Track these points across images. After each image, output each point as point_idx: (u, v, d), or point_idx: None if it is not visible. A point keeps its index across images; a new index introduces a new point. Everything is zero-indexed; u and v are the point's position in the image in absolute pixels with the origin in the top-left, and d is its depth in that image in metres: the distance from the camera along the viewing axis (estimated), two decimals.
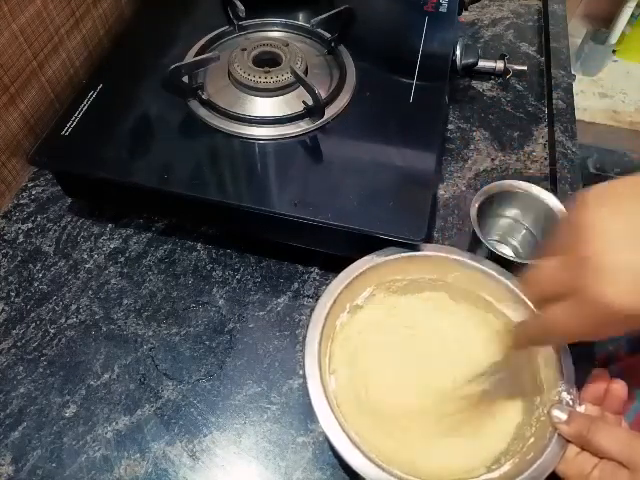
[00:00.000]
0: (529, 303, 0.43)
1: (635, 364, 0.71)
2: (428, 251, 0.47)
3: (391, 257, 0.46)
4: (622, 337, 0.76)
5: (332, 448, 0.43)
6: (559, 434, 0.37)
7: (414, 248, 0.47)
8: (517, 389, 0.44)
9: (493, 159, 0.64)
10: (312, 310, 0.43)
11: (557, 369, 0.41)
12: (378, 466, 0.37)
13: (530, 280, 0.36)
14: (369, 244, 0.47)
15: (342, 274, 0.45)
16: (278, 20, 0.66)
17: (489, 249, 0.48)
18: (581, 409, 0.38)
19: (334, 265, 0.47)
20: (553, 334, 0.36)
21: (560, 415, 0.38)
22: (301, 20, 0.66)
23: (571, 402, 0.39)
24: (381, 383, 0.45)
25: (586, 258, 0.30)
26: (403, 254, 0.47)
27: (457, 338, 0.47)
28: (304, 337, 0.42)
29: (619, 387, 0.38)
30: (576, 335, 0.34)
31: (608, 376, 0.38)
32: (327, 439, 0.38)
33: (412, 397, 0.44)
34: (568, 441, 0.37)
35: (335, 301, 0.44)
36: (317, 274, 0.55)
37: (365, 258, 0.46)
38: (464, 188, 0.61)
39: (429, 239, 0.56)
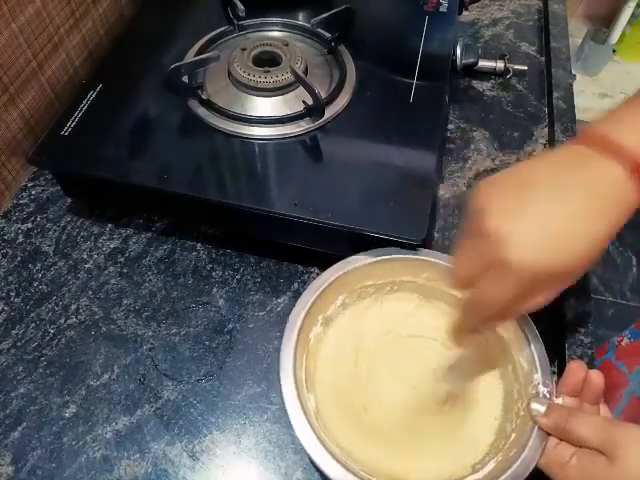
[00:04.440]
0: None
1: (631, 349, 0.71)
2: (396, 254, 0.47)
3: (359, 264, 0.46)
4: (626, 329, 0.76)
5: (314, 464, 0.42)
6: (539, 428, 0.38)
7: (414, 249, 0.47)
8: (496, 385, 0.44)
9: (493, 159, 0.64)
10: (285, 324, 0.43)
11: (531, 362, 0.41)
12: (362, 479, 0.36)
13: (456, 267, 0.39)
14: (369, 244, 0.47)
15: (312, 285, 0.45)
16: (278, 20, 0.66)
17: None
18: (559, 401, 0.39)
19: None
20: (485, 307, 0.37)
21: (538, 408, 0.38)
22: (301, 20, 0.66)
23: (548, 395, 0.39)
24: (360, 392, 0.44)
25: (489, 233, 0.34)
26: (370, 259, 0.46)
27: (431, 338, 0.47)
28: (279, 352, 0.41)
29: (597, 377, 0.38)
30: (505, 302, 0.36)
31: (585, 367, 0.39)
32: (310, 458, 0.38)
33: (392, 403, 0.44)
34: (548, 434, 0.37)
35: (307, 314, 0.43)
36: (317, 274, 0.55)
37: (335, 266, 0.46)
38: (464, 188, 0.61)
39: (430, 239, 0.56)
